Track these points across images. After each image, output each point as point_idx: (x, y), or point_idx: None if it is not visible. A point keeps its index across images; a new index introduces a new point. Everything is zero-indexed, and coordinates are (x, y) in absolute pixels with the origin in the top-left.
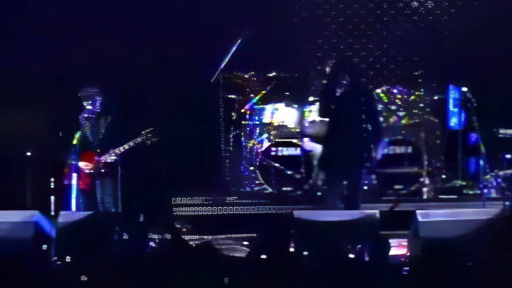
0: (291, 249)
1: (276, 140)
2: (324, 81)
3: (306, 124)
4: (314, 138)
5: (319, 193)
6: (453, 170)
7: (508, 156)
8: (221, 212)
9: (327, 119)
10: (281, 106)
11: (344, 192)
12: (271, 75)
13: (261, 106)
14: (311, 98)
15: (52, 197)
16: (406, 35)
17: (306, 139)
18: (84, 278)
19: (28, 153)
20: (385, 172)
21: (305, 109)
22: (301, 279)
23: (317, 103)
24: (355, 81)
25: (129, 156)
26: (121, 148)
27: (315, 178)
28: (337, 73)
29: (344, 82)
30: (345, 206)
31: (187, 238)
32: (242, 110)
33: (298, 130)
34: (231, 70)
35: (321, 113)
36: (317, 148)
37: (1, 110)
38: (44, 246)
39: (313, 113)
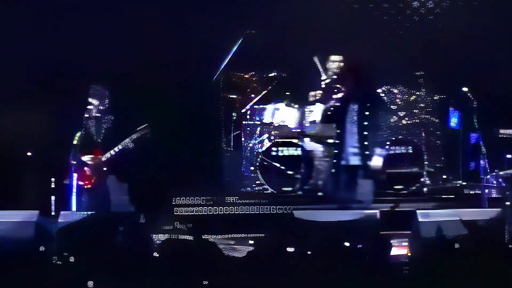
0: (291, 249)
1: (277, 140)
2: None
3: (307, 124)
4: (315, 138)
5: (319, 193)
6: (453, 170)
7: (508, 156)
8: (221, 212)
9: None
10: (281, 106)
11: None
12: (271, 75)
13: (261, 106)
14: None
15: (53, 197)
16: (408, 35)
17: (307, 139)
18: (84, 278)
19: (28, 153)
20: (386, 172)
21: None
22: (301, 278)
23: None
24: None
25: (129, 156)
26: (121, 148)
27: (315, 178)
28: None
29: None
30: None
31: (187, 238)
32: (243, 110)
33: (299, 130)
34: (231, 70)
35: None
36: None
37: (1, 110)
38: (44, 246)
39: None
